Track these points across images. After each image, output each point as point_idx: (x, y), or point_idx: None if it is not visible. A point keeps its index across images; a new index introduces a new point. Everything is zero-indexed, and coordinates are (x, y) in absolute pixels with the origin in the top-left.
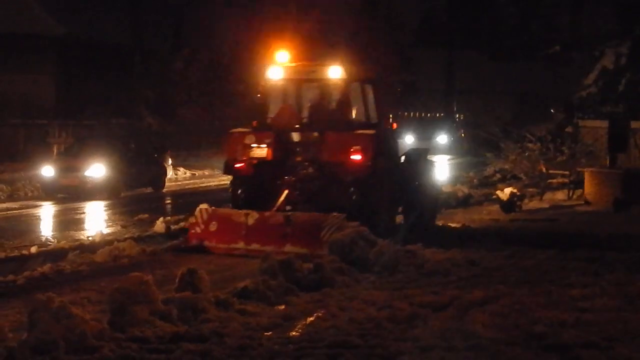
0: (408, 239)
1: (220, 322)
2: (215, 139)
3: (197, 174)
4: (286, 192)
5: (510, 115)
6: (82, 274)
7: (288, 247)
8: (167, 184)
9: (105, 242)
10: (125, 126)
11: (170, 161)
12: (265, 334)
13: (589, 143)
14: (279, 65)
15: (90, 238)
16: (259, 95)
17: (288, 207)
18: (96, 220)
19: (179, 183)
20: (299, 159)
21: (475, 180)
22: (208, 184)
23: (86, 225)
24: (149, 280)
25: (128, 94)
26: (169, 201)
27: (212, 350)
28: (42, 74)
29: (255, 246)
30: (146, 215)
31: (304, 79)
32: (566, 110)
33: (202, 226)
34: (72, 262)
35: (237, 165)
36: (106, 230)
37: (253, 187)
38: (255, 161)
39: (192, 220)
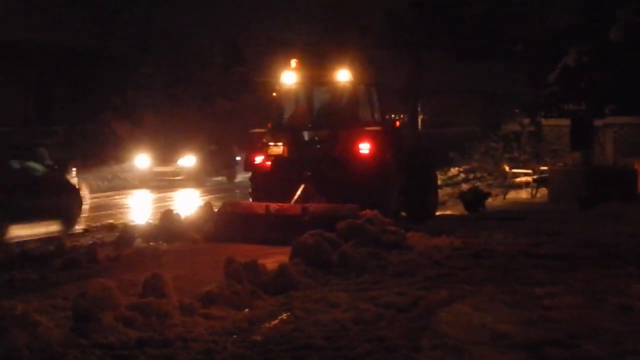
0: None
1: (185, 326)
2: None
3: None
4: (303, 185)
5: (477, 115)
6: (48, 280)
7: None
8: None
9: (70, 248)
10: (91, 132)
11: (74, 173)
12: (230, 338)
13: (552, 141)
14: (292, 70)
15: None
16: (273, 98)
17: (305, 200)
18: None
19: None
20: (313, 155)
21: (438, 181)
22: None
23: None
24: (113, 286)
25: (95, 99)
26: None
27: (176, 355)
28: (8, 81)
29: (276, 235)
30: (111, 221)
31: (315, 83)
32: (529, 109)
33: (227, 218)
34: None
35: (256, 162)
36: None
37: (271, 182)
38: (272, 158)
39: (217, 213)
